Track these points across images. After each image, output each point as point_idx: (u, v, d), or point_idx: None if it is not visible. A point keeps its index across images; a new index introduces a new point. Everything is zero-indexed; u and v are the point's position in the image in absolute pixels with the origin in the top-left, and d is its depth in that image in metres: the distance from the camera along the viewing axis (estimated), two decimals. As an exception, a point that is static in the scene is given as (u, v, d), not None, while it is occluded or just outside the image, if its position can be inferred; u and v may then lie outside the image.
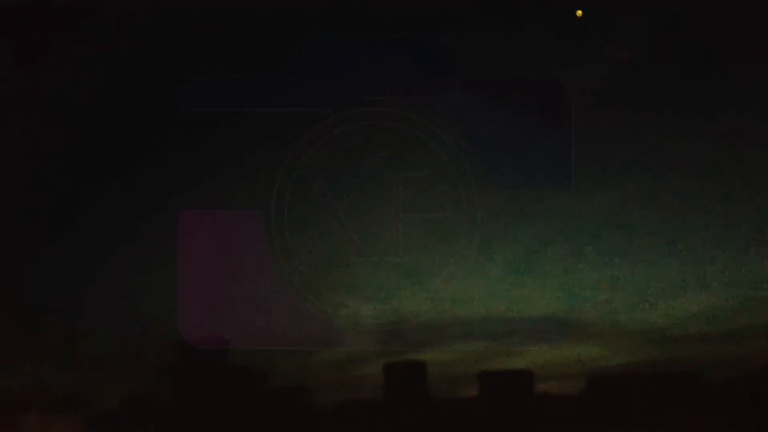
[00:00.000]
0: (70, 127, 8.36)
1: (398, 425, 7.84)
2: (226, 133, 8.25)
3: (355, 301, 8.05)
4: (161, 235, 8.17)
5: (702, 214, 7.65)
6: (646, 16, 8.03)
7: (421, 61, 8.17)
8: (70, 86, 8.31)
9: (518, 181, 8.04)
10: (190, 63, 8.20)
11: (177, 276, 8.05)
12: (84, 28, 8.31)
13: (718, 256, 7.57)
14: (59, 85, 8.31)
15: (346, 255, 8.06)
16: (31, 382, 8.02)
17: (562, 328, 7.70)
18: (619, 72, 8.11)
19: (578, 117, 7.98)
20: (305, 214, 8.14)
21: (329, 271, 8.11)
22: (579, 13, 7.49)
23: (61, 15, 8.28)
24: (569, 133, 7.98)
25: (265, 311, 8.16)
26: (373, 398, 7.99)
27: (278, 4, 8.18)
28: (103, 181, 8.34)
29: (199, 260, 8.14)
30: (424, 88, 8.16)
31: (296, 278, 8.06)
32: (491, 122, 8.14)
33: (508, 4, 8.17)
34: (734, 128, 7.69)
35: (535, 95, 8.09)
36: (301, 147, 8.07)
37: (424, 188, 8.06)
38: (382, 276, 8.05)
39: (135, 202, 8.31)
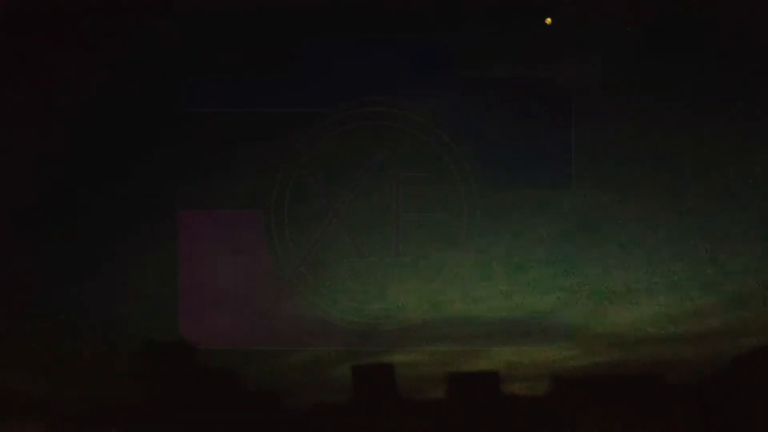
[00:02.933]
0: (71, 127, 8.37)
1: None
2: (227, 133, 8.26)
3: (355, 301, 8.05)
4: (161, 235, 8.19)
5: (663, 225, 7.92)
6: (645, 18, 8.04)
7: (421, 61, 8.17)
8: (70, 86, 8.32)
9: (515, 181, 8.08)
10: (190, 63, 8.21)
11: (177, 276, 8.05)
12: (84, 29, 8.32)
13: (677, 264, 7.85)
14: (59, 85, 8.33)
15: (346, 255, 8.07)
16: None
17: (529, 330, 7.87)
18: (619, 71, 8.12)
19: (579, 117, 7.99)
20: (305, 214, 8.14)
21: (329, 271, 8.12)
22: (548, 20, 7.48)
23: (61, 15, 8.28)
24: (569, 132, 7.98)
25: (266, 311, 8.18)
26: (380, 395, 8.10)
27: (278, 4, 8.19)
28: (103, 181, 8.36)
29: (198, 260, 8.14)
30: (424, 88, 8.16)
31: (296, 278, 8.07)
32: (491, 122, 8.15)
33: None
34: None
35: (535, 95, 8.09)
36: (301, 147, 8.08)
37: (424, 188, 8.06)
38: (382, 276, 8.06)
39: (135, 202, 8.33)
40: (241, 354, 8.13)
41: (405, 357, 8.15)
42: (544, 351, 7.87)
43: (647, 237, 7.93)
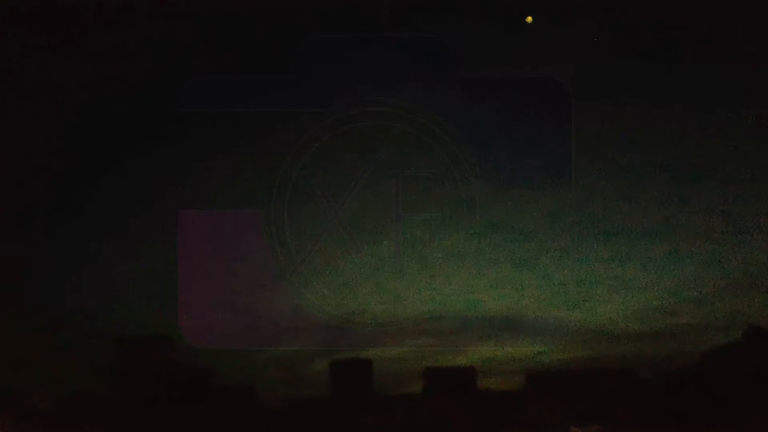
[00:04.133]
0: (70, 127, 8.36)
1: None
2: (226, 133, 8.25)
3: (354, 301, 8.06)
4: (161, 235, 8.18)
5: (638, 223, 7.99)
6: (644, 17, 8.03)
7: (421, 61, 8.16)
8: (70, 86, 8.32)
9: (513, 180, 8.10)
10: (190, 63, 8.20)
11: (176, 275, 8.05)
12: (84, 28, 8.31)
13: (649, 262, 7.95)
14: (59, 85, 8.32)
15: (346, 255, 8.07)
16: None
17: (507, 327, 7.95)
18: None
19: (579, 116, 8.00)
20: (305, 214, 8.14)
21: (329, 271, 8.12)
22: (529, 19, 7.46)
23: (61, 15, 8.27)
24: (569, 132, 7.98)
25: (265, 311, 8.18)
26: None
27: (279, 4, 8.18)
28: (103, 181, 8.34)
29: (198, 260, 8.14)
30: (424, 88, 8.16)
31: (296, 278, 8.07)
32: (491, 122, 8.15)
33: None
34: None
35: (535, 95, 8.09)
36: (301, 147, 8.07)
37: (424, 188, 8.07)
38: (382, 276, 8.06)
39: (135, 202, 8.32)
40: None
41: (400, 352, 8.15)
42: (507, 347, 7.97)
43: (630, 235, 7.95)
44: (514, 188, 8.14)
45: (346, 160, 8.12)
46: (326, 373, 8.20)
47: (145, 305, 8.14)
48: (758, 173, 7.91)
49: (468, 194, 8.02)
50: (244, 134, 8.25)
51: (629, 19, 7.92)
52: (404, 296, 8.07)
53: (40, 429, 7.97)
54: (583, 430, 7.79)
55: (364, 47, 8.18)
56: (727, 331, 7.84)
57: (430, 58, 8.13)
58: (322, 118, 8.06)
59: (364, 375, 8.23)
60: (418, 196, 8.05)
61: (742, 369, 7.70)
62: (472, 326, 8.08)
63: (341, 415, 8.01)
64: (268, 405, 8.15)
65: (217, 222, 8.22)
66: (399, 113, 8.04)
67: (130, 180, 8.33)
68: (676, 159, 8.03)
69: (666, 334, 7.87)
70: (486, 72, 8.06)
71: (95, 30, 8.27)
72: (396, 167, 8.06)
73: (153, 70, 8.30)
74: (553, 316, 8.01)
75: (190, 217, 8.15)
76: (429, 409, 8.00)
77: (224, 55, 8.24)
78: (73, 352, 8.08)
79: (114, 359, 8.16)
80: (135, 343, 8.21)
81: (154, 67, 8.30)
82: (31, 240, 8.29)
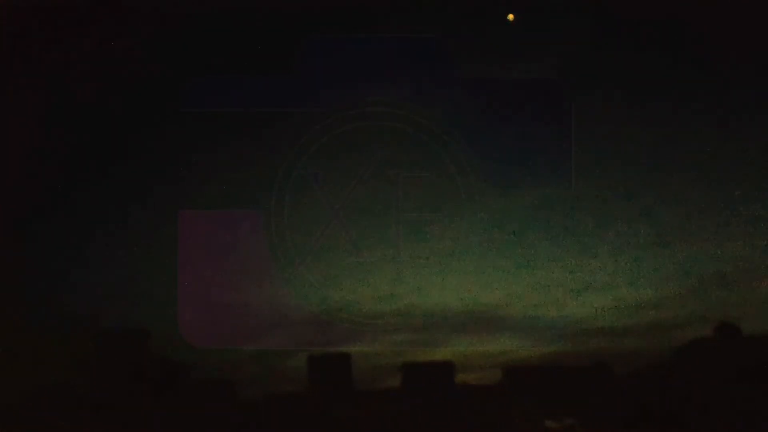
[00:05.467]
0: (69, 127, 8.37)
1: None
2: (226, 133, 8.25)
3: (354, 301, 8.05)
4: (161, 235, 8.18)
5: (616, 219, 8.01)
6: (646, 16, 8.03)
7: (421, 61, 8.17)
8: (69, 86, 8.32)
9: (516, 181, 8.09)
10: (190, 63, 8.21)
11: (176, 276, 8.06)
12: (84, 28, 8.32)
13: (624, 257, 7.94)
14: (58, 85, 8.33)
15: (346, 255, 8.07)
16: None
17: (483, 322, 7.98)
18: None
19: (579, 117, 7.99)
20: (305, 214, 8.14)
21: (329, 272, 8.11)
22: (510, 17, 7.44)
23: (60, 14, 8.29)
24: (569, 132, 7.98)
25: (264, 311, 8.17)
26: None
27: (279, 4, 8.19)
28: (103, 181, 8.35)
29: (198, 260, 8.14)
30: (424, 88, 8.16)
31: (296, 278, 8.07)
32: (491, 122, 8.15)
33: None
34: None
35: (535, 95, 8.09)
36: (301, 147, 8.08)
37: (424, 188, 8.06)
38: (382, 275, 8.06)
39: (134, 202, 8.32)
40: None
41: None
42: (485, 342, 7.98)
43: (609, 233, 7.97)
44: (514, 188, 8.14)
45: (346, 160, 8.13)
46: (305, 369, 8.16)
47: (145, 305, 8.15)
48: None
49: (468, 194, 8.02)
50: (245, 134, 8.26)
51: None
52: (404, 296, 8.07)
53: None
54: (558, 425, 7.75)
55: (365, 47, 8.19)
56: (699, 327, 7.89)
57: (431, 58, 8.14)
58: (322, 118, 8.07)
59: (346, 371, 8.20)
60: (418, 196, 8.06)
61: (713, 364, 7.80)
62: (478, 325, 8.11)
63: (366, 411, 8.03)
64: (247, 400, 8.14)
65: (217, 222, 8.23)
66: (399, 113, 8.05)
67: (130, 180, 8.35)
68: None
69: (642, 330, 7.90)
70: (487, 72, 8.08)
71: (95, 30, 8.29)
72: (396, 167, 8.06)
73: (153, 70, 8.32)
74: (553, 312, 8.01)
75: (190, 217, 8.16)
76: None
77: (224, 55, 8.25)
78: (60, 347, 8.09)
79: (92, 353, 8.14)
80: (112, 337, 8.19)
81: (154, 67, 8.32)
82: (31, 239, 8.29)
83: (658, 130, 7.90)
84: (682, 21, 7.94)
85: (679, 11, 7.89)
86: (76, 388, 8.06)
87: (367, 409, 7.95)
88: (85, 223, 8.23)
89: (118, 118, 8.32)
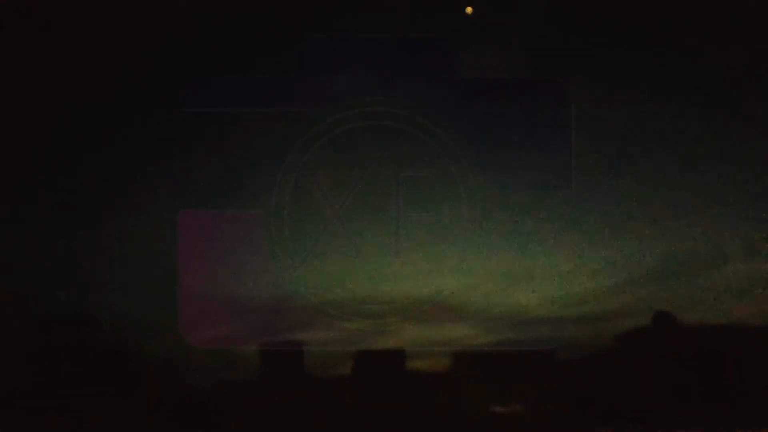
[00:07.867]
0: (69, 127, 8.39)
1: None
2: (226, 133, 8.26)
3: (354, 301, 8.07)
4: (161, 235, 8.19)
5: (575, 212, 8.15)
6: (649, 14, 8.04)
7: (421, 61, 8.17)
8: (68, 86, 8.33)
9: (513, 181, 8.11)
10: (190, 63, 8.22)
11: (177, 276, 8.06)
12: (84, 28, 8.33)
13: (579, 250, 8.06)
14: (57, 85, 8.34)
15: (346, 255, 8.08)
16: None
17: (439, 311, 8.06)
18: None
19: (579, 117, 8.00)
20: (305, 214, 8.15)
21: (329, 271, 8.13)
22: (469, 10, 7.41)
23: (59, 14, 8.29)
24: (569, 132, 7.99)
25: (264, 311, 8.18)
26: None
27: (279, 4, 8.20)
28: (103, 181, 8.36)
29: (198, 260, 8.15)
30: (423, 88, 8.16)
31: (296, 278, 8.08)
32: (491, 122, 8.16)
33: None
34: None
35: (535, 95, 8.10)
36: (301, 147, 8.08)
37: (424, 188, 8.07)
38: (382, 276, 8.07)
39: (134, 202, 8.33)
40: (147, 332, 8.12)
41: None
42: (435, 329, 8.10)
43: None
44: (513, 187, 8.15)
45: (346, 160, 8.13)
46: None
47: (145, 305, 8.16)
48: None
49: (468, 194, 8.03)
50: (245, 134, 8.27)
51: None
52: (404, 295, 8.08)
53: None
54: (505, 410, 7.87)
55: (365, 47, 8.19)
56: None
57: (431, 58, 8.14)
58: (322, 118, 8.08)
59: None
60: (418, 196, 8.07)
61: (653, 352, 8.01)
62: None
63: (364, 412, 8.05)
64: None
65: (217, 222, 8.23)
66: (399, 113, 8.06)
67: (131, 180, 8.36)
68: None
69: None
70: (487, 72, 8.09)
71: (95, 30, 8.30)
72: (396, 167, 8.07)
73: (153, 70, 8.33)
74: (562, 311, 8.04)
75: (190, 217, 8.16)
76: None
77: (224, 55, 8.26)
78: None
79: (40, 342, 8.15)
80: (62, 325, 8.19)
81: (154, 67, 8.33)
82: (31, 239, 8.30)
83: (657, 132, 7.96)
84: (683, 21, 7.95)
85: (679, 11, 7.90)
86: (76, 389, 8.08)
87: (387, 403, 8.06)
88: (86, 223, 8.26)
89: (118, 118, 8.34)
